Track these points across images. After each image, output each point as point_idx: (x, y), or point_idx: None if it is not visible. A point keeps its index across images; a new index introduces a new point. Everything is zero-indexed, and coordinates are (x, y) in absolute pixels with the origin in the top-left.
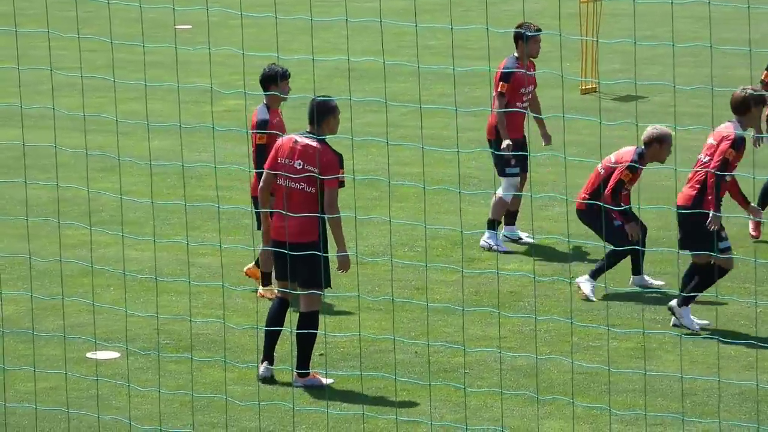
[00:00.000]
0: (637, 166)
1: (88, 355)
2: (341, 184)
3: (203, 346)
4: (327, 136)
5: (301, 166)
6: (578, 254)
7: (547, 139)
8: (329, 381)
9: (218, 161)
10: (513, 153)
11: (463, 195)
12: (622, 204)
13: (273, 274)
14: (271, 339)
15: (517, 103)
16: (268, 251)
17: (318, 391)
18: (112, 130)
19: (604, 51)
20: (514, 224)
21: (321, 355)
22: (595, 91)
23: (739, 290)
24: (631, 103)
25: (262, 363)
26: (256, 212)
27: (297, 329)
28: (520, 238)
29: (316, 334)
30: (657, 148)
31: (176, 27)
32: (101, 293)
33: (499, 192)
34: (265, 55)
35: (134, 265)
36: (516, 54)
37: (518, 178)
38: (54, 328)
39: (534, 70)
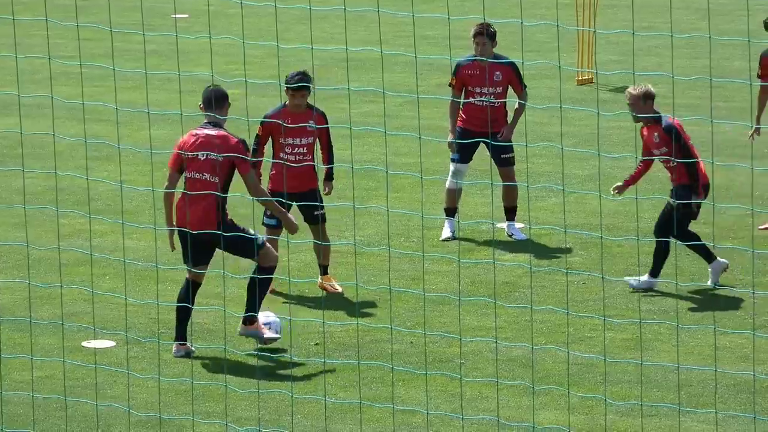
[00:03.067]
0: None
1: (83, 344)
2: (253, 165)
3: (201, 335)
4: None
5: (204, 157)
6: (574, 245)
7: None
8: (274, 336)
9: None
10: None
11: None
12: None
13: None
14: (182, 320)
15: (470, 98)
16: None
17: (316, 380)
18: (107, 119)
19: (600, 42)
20: (513, 219)
21: (317, 344)
22: (591, 82)
23: (736, 281)
24: None
25: (174, 343)
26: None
27: (251, 276)
28: (512, 235)
29: (267, 283)
30: None
31: (173, 16)
32: (97, 282)
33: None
34: (263, 44)
35: (130, 254)
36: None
37: (464, 165)
38: (50, 317)
39: (497, 74)
